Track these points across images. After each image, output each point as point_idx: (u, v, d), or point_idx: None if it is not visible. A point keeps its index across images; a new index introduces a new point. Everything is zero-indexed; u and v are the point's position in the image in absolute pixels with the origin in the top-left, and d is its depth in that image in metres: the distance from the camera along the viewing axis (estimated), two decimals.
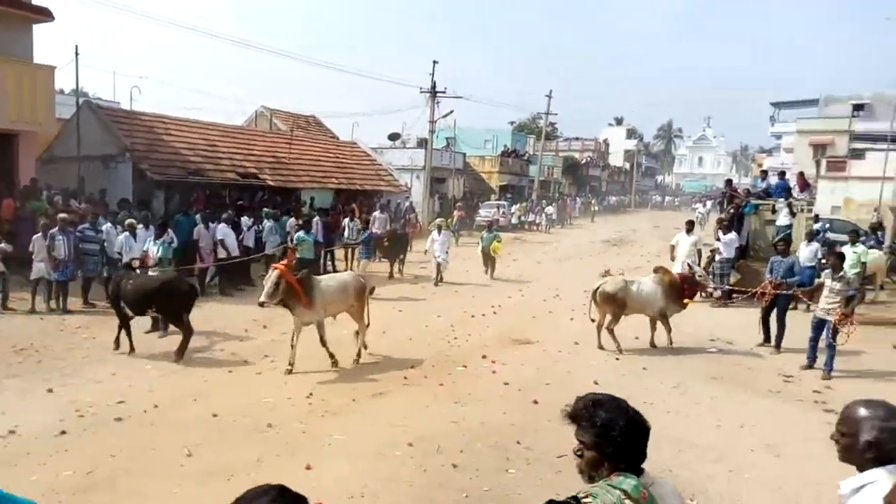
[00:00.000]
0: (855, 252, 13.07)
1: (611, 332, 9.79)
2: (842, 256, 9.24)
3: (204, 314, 11.98)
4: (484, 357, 9.28)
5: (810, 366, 9.05)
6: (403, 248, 17.75)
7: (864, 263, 13.23)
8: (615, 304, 9.68)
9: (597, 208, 49.92)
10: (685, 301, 9.78)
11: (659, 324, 10.03)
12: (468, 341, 10.31)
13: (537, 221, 37.62)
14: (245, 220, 15.50)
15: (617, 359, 9.44)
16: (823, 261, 14.45)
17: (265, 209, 17.42)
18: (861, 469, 2.19)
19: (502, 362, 9.03)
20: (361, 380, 8.22)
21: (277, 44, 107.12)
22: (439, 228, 16.94)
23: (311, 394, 7.57)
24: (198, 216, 14.68)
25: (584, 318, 12.27)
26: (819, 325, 8.87)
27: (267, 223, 16.07)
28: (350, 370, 8.66)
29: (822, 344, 8.86)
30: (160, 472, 5.46)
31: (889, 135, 26.39)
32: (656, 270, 10.35)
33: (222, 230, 13.90)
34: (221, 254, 13.79)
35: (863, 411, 2.26)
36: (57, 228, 11.54)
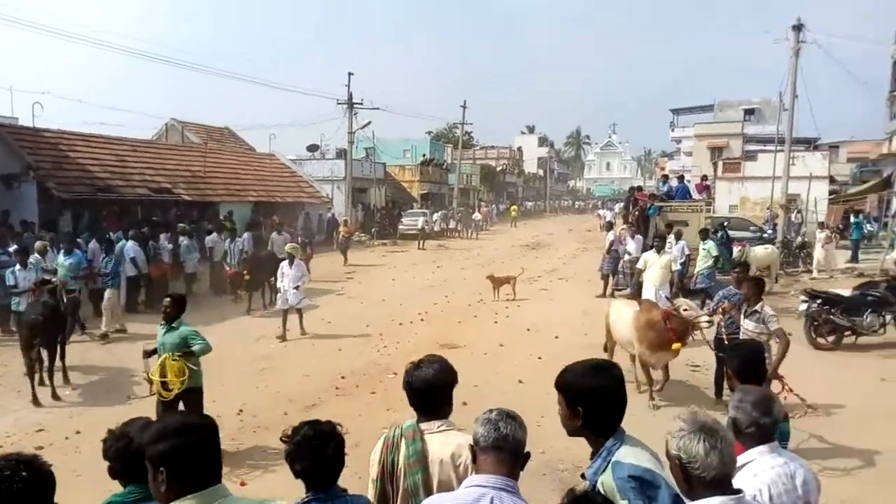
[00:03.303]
0: (704, 248, 13.43)
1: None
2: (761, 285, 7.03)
3: (128, 334, 11.64)
4: None
5: None
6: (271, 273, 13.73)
7: (715, 257, 13.30)
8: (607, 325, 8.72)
9: (516, 214, 50.82)
10: (674, 347, 7.39)
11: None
12: (398, 349, 10.50)
13: (458, 228, 38.29)
14: (163, 239, 15.09)
15: (539, 358, 9.84)
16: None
17: (180, 225, 16.92)
18: (746, 448, 2.44)
19: None
20: (292, 393, 8.25)
21: (185, 57, 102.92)
22: (290, 258, 12.12)
23: (241, 410, 7.55)
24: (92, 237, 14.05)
25: (506, 320, 12.77)
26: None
27: (184, 241, 15.62)
28: (280, 384, 8.65)
29: None
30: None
31: (776, 137, 28.59)
32: (639, 302, 8.53)
33: (132, 248, 13.49)
34: (131, 272, 13.35)
35: (733, 395, 2.59)
36: None
